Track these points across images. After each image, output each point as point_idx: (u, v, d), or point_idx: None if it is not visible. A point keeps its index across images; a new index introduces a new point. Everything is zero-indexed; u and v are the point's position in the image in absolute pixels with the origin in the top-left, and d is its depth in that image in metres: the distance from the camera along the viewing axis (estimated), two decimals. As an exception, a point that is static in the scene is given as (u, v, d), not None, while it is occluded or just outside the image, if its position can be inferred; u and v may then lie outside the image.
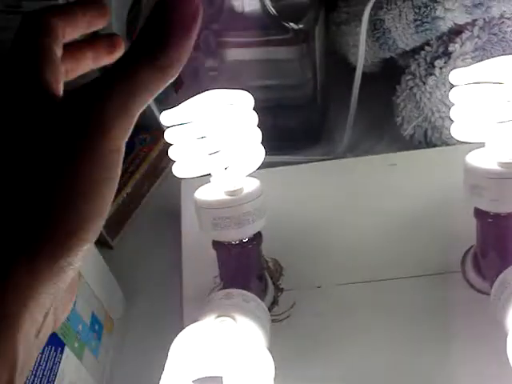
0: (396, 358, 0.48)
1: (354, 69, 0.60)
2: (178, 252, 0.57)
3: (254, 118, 0.45)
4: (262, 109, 0.45)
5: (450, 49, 0.54)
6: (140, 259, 0.59)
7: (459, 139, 0.45)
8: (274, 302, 0.52)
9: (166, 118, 0.45)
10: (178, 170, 0.46)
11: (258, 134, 0.46)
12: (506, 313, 0.42)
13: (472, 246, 0.51)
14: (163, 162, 0.65)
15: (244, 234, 0.46)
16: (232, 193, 0.45)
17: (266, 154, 0.46)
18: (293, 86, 0.59)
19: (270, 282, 0.51)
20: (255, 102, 0.45)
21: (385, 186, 0.56)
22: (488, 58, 0.48)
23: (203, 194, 0.47)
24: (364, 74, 0.60)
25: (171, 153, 0.45)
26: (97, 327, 0.50)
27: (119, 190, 0.61)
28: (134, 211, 0.62)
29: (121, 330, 0.54)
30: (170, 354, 0.41)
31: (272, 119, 0.62)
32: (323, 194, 0.56)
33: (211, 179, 0.47)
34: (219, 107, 0.44)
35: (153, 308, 0.56)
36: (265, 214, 0.47)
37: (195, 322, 0.42)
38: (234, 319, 0.42)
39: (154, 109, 0.60)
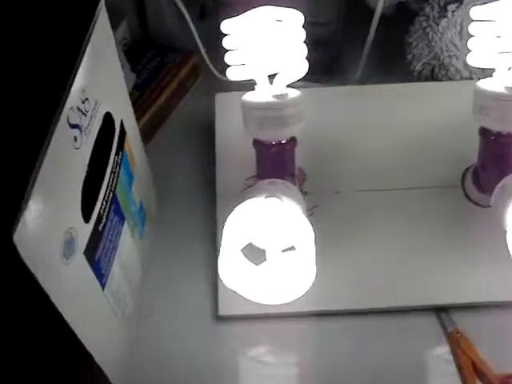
0: (403, 256, 0.56)
1: (370, 11, 0.67)
2: (207, 159, 0.63)
3: (302, 34, 0.52)
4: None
5: (463, -6, 0.62)
6: (170, 165, 0.65)
7: (474, 65, 0.53)
8: (299, 204, 0.59)
9: (225, 25, 0.51)
10: (231, 73, 0.52)
11: (304, 49, 0.52)
12: (504, 211, 0.50)
13: (472, 165, 0.59)
14: (191, 79, 0.70)
15: (286, 134, 0.53)
16: (279, 96, 0.52)
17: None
18: (322, 23, 0.66)
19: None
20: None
21: (396, 111, 0.63)
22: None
23: (251, 97, 0.53)
24: (380, 16, 0.67)
25: (227, 58, 0.52)
26: (142, 214, 0.56)
27: (152, 102, 0.66)
28: (164, 121, 0.68)
29: (158, 223, 0.60)
30: (225, 226, 0.48)
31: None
32: (343, 115, 0.63)
33: (256, 87, 0.53)
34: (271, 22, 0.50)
35: (185, 208, 0.62)
36: (303, 120, 0.53)
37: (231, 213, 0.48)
38: (281, 199, 0.48)
39: (192, 28, 0.65)
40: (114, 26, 0.68)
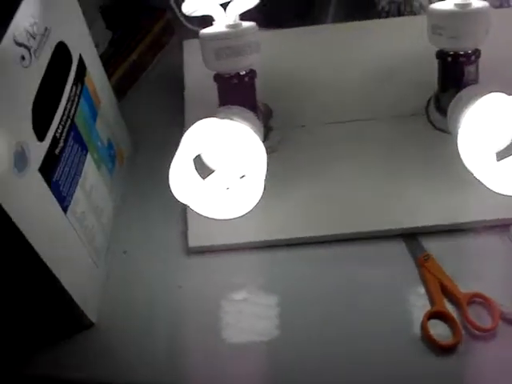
0: (370, 183, 0.57)
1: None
2: (181, 108, 0.64)
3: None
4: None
5: None
6: (146, 115, 0.67)
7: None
8: (264, 139, 0.60)
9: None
10: (186, 7, 0.54)
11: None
12: (459, 118, 0.50)
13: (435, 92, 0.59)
14: (165, 37, 0.72)
15: (243, 63, 0.54)
16: (232, 26, 0.53)
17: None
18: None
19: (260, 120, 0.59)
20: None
21: (362, 46, 0.64)
22: None
23: (207, 30, 0.55)
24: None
25: None
26: (112, 153, 0.58)
27: (126, 57, 0.68)
28: (140, 76, 0.70)
29: (132, 166, 0.62)
30: (180, 143, 0.49)
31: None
32: (309, 53, 0.64)
33: (214, 22, 0.55)
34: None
35: (158, 153, 0.63)
36: (259, 50, 0.55)
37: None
38: (234, 120, 0.50)
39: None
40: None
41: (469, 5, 0.52)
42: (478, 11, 0.52)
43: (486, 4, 0.53)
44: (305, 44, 0.64)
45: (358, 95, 0.61)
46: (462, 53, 0.54)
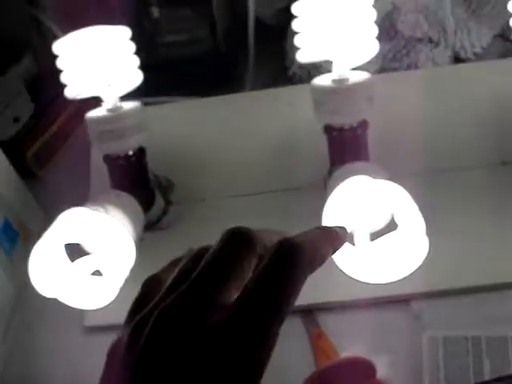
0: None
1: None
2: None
3: (131, 46, 0.54)
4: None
5: None
6: (63, 188, 0.68)
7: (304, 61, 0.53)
8: (164, 213, 0.60)
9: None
10: (69, 92, 0.55)
11: (135, 61, 0.54)
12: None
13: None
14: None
15: (126, 145, 0.55)
16: (112, 110, 0.54)
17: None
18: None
19: (158, 195, 0.59)
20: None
21: (263, 117, 0.63)
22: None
23: (91, 113, 0.55)
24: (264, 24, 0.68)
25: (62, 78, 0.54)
26: (9, 232, 0.59)
27: (47, 128, 0.70)
28: (61, 147, 0.71)
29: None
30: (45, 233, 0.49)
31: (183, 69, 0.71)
32: (211, 123, 0.64)
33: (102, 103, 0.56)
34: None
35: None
36: (144, 130, 0.55)
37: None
38: (106, 209, 0.50)
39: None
40: (18, 58, 0.73)
41: (345, 80, 0.51)
42: (356, 86, 0.51)
43: (366, 75, 0.52)
44: (208, 115, 0.64)
45: (259, 167, 0.61)
46: (346, 127, 0.53)
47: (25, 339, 0.58)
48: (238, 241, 0.28)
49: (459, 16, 0.62)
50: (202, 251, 0.29)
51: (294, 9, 0.51)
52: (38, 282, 0.47)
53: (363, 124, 0.53)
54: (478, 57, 0.63)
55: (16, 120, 0.69)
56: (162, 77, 0.69)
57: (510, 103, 0.58)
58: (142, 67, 0.55)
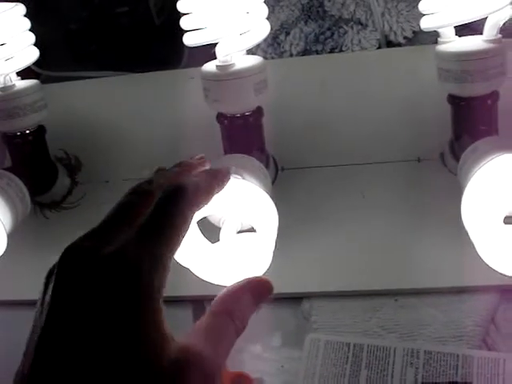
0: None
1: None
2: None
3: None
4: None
5: None
6: None
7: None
8: (69, 193, 0.59)
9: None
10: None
11: (31, 38, 0.53)
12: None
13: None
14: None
15: (20, 125, 0.54)
16: (4, 88, 0.53)
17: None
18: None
19: (63, 173, 0.59)
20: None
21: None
22: None
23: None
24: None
25: None
26: None
27: None
28: None
29: None
30: None
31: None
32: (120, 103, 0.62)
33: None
34: None
35: None
36: (41, 109, 0.54)
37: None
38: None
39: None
40: None
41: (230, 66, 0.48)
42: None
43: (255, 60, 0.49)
44: (125, 92, 0.62)
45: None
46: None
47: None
48: (137, 194, 0.33)
49: (389, -4, 0.57)
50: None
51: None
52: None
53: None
54: (410, 41, 0.58)
55: None
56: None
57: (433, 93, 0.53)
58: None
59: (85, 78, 0.66)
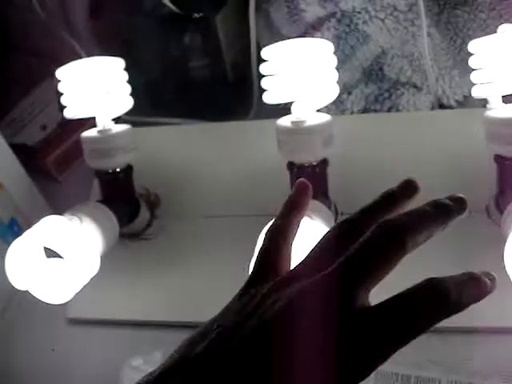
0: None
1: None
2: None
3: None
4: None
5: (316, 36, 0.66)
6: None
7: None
8: (149, 225, 0.67)
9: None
10: (67, 113, 0.62)
11: (127, 89, 0.61)
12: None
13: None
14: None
15: (112, 164, 0.62)
16: (102, 131, 0.61)
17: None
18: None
19: (144, 208, 0.66)
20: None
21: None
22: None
23: (87, 133, 0.63)
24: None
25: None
26: (16, 229, 0.67)
27: (70, 136, 0.78)
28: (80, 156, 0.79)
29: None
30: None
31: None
32: (205, 147, 0.69)
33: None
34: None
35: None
36: (131, 151, 0.62)
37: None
38: (80, 219, 0.57)
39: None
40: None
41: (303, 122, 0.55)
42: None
43: (325, 117, 0.56)
44: (206, 140, 0.70)
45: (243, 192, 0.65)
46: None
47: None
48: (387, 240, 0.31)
49: (444, 64, 0.64)
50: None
51: (264, 53, 0.56)
52: (12, 274, 0.55)
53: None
54: (461, 104, 0.64)
55: (43, 127, 0.78)
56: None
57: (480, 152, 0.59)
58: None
59: (160, 124, 0.75)
